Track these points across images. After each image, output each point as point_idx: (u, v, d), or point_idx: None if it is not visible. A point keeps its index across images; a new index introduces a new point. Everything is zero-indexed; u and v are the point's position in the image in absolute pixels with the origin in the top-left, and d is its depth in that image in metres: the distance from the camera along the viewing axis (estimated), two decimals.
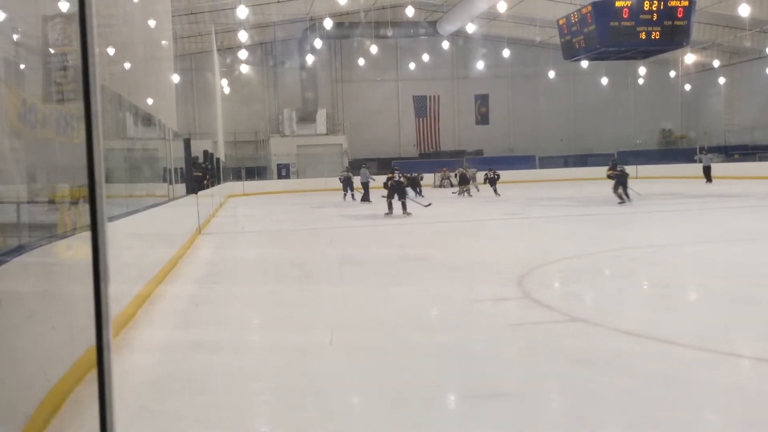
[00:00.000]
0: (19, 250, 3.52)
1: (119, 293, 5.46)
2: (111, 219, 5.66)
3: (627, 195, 18.66)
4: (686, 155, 37.48)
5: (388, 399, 3.81)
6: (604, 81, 39.73)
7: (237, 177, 36.15)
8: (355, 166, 37.06)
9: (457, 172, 27.28)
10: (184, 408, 3.78)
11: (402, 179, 17.80)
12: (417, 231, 14.28)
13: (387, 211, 17.50)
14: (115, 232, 5.57)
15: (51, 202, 4.74)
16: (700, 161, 30.39)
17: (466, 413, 3.62)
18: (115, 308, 5.15)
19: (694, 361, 4.32)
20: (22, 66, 5.02)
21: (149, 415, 3.71)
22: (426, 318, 5.99)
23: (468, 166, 28.17)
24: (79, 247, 4.01)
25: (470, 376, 4.13)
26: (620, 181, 18.69)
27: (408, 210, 17.31)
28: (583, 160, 39.65)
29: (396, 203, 17.39)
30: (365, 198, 23.63)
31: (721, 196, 20.66)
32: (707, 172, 29.10)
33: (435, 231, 14.20)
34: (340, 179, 26.92)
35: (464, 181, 25.59)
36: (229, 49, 37.10)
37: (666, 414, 3.41)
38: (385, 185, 17.76)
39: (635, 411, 3.46)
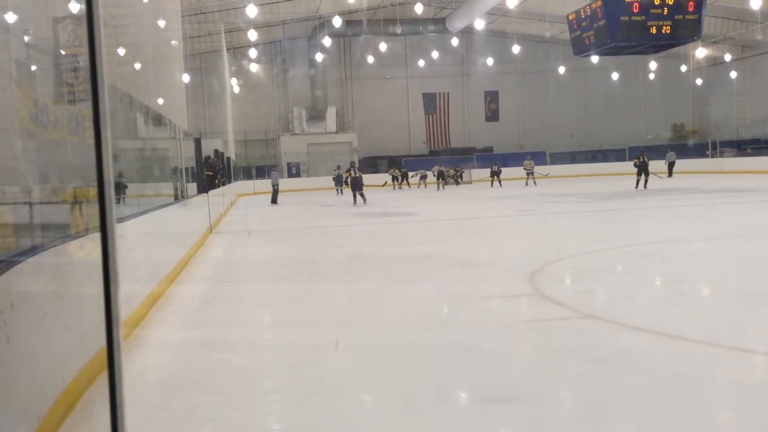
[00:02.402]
0: (33, 250, 3.55)
1: (131, 293, 5.49)
2: (123, 219, 5.69)
3: (645, 184, 22.24)
4: (698, 150, 37.25)
5: (400, 398, 3.80)
6: (615, 76, 39.52)
7: (247, 176, 36.26)
8: (366, 164, 37.25)
9: (434, 170, 31.96)
10: (196, 406, 3.80)
11: (358, 175, 21.78)
12: (427, 228, 14.27)
13: (353, 202, 21.28)
14: (126, 231, 5.60)
15: (63, 202, 4.77)
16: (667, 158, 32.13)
17: (477, 412, 3.61)
18: (127, 308, 5.17)
19: (706, 358, 4.29)
20: (33, 67, 5.05)
21: (161, 413, 3.73)
22: (437, 315, 5.98)
23: (442, 165, 32.68)
24: (92, 247, 4.04)
25: (482, 374, 4.12)
26: (641, 170, 22.39)
27: (365, 200, 21.33)
28: (593, 155, 39.48)
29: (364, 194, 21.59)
30: (274, 200, 24.12)
31: (733, 190, 20.51)
32: (671, 168, 31.11)
33: (445, 228, 14.18)
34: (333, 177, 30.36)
35: (440, 176, 31.12)
36: (239, 48, 37.21)
37: (679, 411, 3.40)
38: (346, 181, 22.19)
39: (647, 408, 3.44)
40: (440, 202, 22.13)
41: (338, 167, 30.47)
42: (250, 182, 35.18)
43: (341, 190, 28.74)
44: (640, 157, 22.84)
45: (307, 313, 6.20)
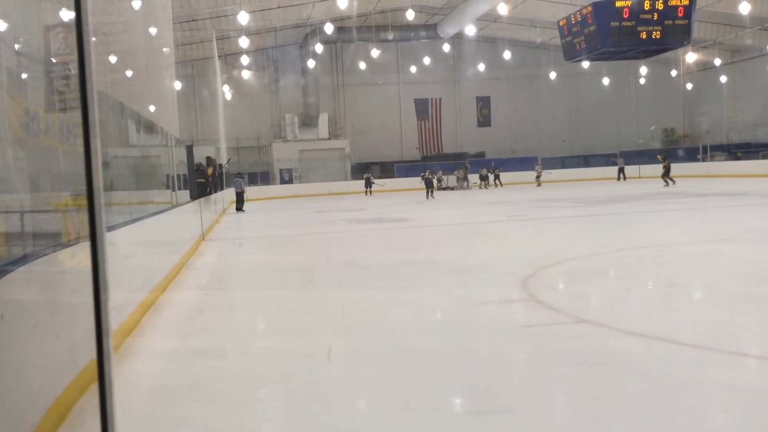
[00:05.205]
0: (24, 259, 3.52)
1: (124, 301, 5.46)
2: (115, 227, 5.66)
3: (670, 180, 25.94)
4: (689, 154, 37.46)
5: (396, 404, 3.79)
6: (606, 81, 39.71)
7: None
8: (357, 170, 37.36)
9: (457, 172, 35.28)
10: (190, 415, 3.77)
11: (430, 177, 28.71)
12: (422, 234, 14.27)
13: (425, 197, 27.15)
14: (119, 239, 5.57)
15: (55, 210, 4.74)
16: (615, 163, 35.61)
17: (474, 417, 3.61)
18: (119, 316, 5.14)
19: (701, 361, 4.30)
20: (24, 75, 5.03)
21: (155, 422, 3.71)
22: (432, 321, 5.98)
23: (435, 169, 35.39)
24: (83, 255, 4.01)
25: (477, 380, 4.12)
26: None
27: (433, 196, 27.58)
28: (585, 160, 39.63)
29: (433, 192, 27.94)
30: (239, 207, 24.39)
31: (724, 194, 20.62)
32: (621, 172, 34.47)
33: (440, 234, 14.19)
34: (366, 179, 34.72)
35: (464, 178, 35.00)
36: (231, 55, 37.18)
37: (674, 414, 3.39)
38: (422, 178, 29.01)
39: (643, 412, 3.44)
40: (433, 208, 22.14)
41: (428, 171, 32.37)
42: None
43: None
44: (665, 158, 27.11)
45: (301, 320, 6.18)
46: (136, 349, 5.14)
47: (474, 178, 35.29)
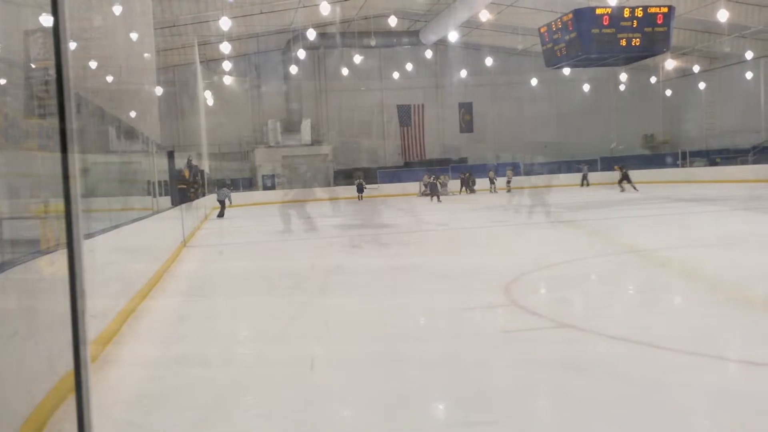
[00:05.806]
0: (2, 267, 3.48)
1: (104, 308, 5.40)
2: (94, 234, 5.60)
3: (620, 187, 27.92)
4: (670, 160, 37.83)
5: (381, 411, 3.78)
6: (586, 88, 40.01)
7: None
8: (340, 176, 37.36)
9: (442, 179, 34.71)
10: (172, 423, 3.74)
11: (435, 182, 30.26)
12: (406, 240, 14.27)
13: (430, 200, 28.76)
14: (99, 246, 5.51)
15: (34, 217, 4.69)
16: (581, 170, 36.94)
17: (458, 423, 3.60)
18: (100, 324, 5.09)
19: (682, 366, 4.33)
20: (2, 81, 4.97)
21: (136, 430, 3.67)
22: (416, 327, 5.98)
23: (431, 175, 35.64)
24: (62, 262, 3.96)
25: (461, 385, 4.12)
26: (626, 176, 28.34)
27: (440, 200, 28.80)
28: (567, 166, 39.87)
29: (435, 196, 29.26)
30: (221, 215, 24.71)
31: (704, 200, 20.84)
32: (584, 179, 35.92)
33: (424, 240, 14.20)
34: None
35: (464, 184, 35.56)
36: (213, 60, 37.02)
37: (655, 419, 3.41)
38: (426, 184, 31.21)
39: (624, 416, 3.46)
40: (417, 214, 22.16)
41: (431, 177, 33.34)
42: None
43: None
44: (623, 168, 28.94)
45: (286, 326, 6.15)
46: (116, 357, 5.09)
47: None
